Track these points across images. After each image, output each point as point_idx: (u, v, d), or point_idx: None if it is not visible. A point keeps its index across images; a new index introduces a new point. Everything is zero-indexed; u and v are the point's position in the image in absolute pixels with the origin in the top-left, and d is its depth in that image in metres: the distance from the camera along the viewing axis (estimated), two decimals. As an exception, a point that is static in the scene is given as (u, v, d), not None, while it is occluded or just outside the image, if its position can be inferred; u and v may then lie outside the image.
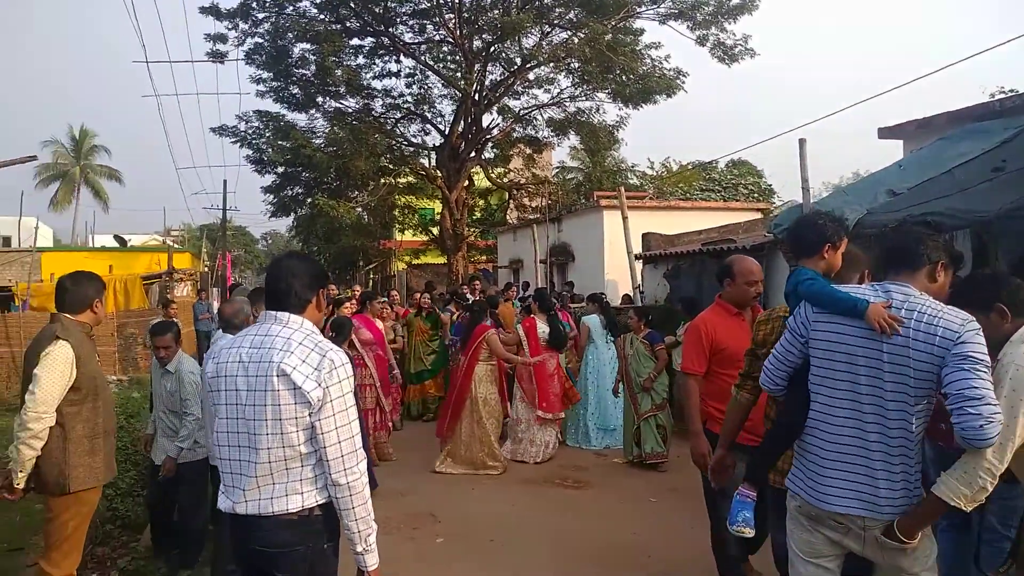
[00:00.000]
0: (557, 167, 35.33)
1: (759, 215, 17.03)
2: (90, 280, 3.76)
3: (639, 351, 7.70)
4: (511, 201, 25.82)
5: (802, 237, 2.99)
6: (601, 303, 9.23)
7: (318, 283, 2.67)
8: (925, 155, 6.87)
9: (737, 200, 23.35)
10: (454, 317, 10.01)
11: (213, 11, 19.83)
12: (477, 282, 12.08)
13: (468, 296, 11.42)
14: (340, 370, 2.46)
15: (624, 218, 9.73)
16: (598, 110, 22.20)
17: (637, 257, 11.49)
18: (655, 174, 31.86)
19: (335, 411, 2.43)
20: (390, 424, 7.73)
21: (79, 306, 3.68)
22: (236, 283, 14.57)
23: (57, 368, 3.46)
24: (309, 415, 2.43)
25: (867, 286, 2.62)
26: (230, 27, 20.13)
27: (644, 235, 12.63)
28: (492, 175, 24.56)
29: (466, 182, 22.66)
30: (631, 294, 10.88)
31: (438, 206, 26.73)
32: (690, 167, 30.92)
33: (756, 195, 25.87)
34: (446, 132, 22.20)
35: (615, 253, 14.75)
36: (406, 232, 28.26)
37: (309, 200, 23.06)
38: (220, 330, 4.57)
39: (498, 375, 7.43)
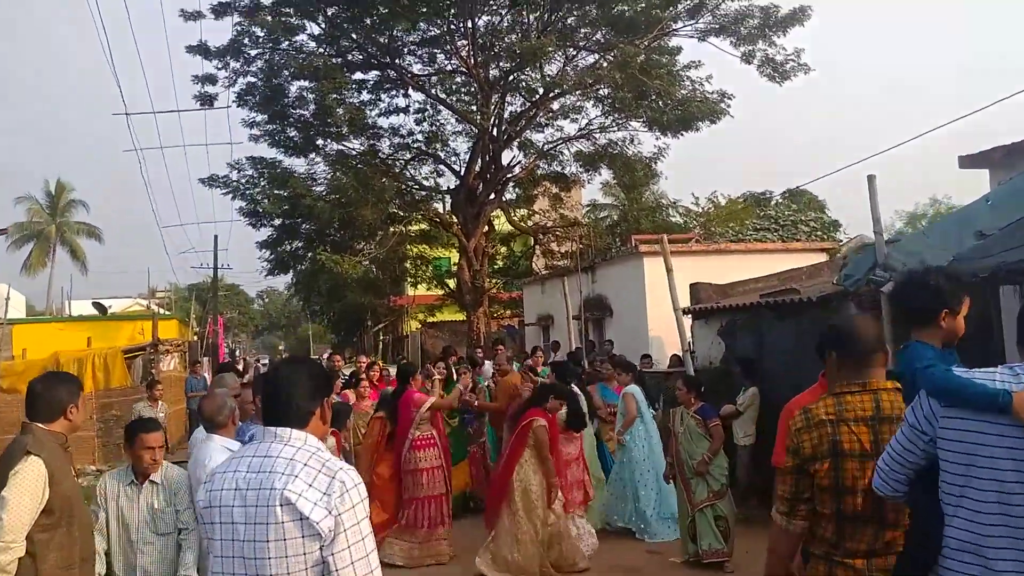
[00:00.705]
0: (588, 206, 35.53)
1: (824, 256, 16.89)
2: (63, 383, 3.75)
3: (691, 428, 7.55)
4: (537, 247, 26.06)
5: (912, 302, 2.85)
6: (635, 372, 9.16)
7: (321, 392, 2.66)
8: (1018, 188, 6.78)
9: (797, 239, 23.22)
10: (467, 388, 9.84)
11: (201, 50, 20.53)
12: (502, 347, 12.03)
13: (486, 362, 11.38)
14: (353, 492, 2.42)
15: (668, 270, 9.69)
16: (632, 141, 22.57)
17: (685, 312, 11.40)
18: (701, 211, 31.86)
19: (350, 542, 2.38)
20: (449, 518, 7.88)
21: (52, 413, 3.65)
22: (226, 361, 14.68)
23: (28, 489, 3.41)
24: (320, 549, 2.37)
25: (1003, 368, 2.42)
26: (220, 66, 20.86)
27: (692, 286, 12.56)
28: (514, 218, 24.91)
29: (485, 227, 22.99)
30: (680, 355, 10.75)
31: (455, 255, 26.97)
32: (741, 202, 30.92)
33: (819, 232, 25.70)
34: (461, 172, 22.66)
35: (659, 305, 14.62)
36: (419, 286, 28.54)
37: (310, 255, 23.42)
38: (202, 429, 4.46)
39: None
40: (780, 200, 29.68)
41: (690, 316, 12.11)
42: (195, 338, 26.72)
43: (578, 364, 10.97)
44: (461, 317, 28.62)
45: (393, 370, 13.76)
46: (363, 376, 10.08)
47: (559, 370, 8.57)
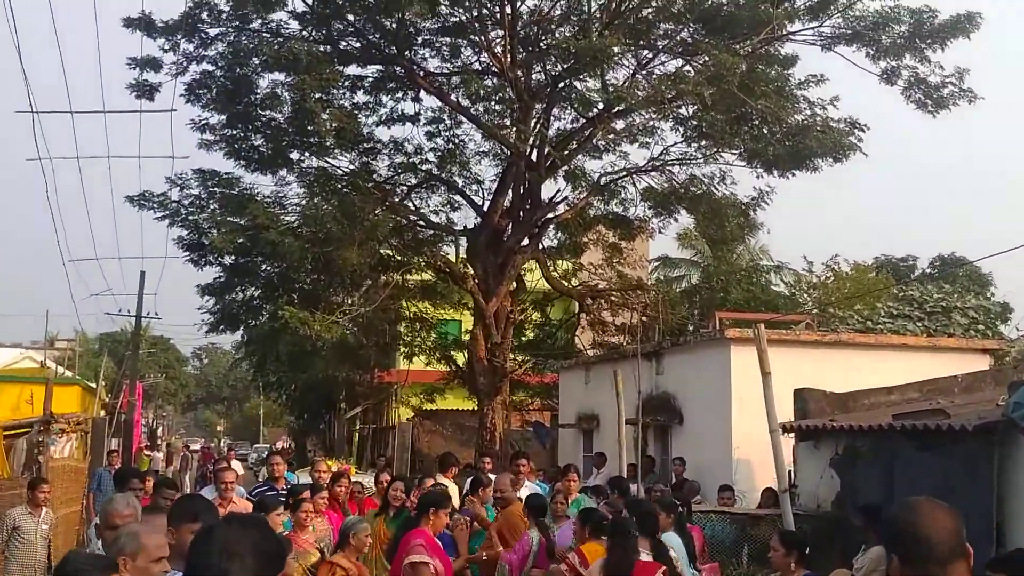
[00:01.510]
0: (657, 263, 35.69)
1: (986, 360, 16.63)
2: None
3: (789, 606, 7.34)
4: (583, 316, 26.14)
5: None
6: (678, 514, 8.98)
7: (273, 566, 2.69)
8: None
9: (950, 333, 22.92)
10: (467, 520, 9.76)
11: (143, 24, 20.96)
12: (523, 463, 11.90)
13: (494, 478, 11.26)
14: None
15: (765, 373, 9.58)
16: (724, 178, 22.59)
17: (786, 430, 11.21)
18: (815, 281, 31.79)
19: None
20: None
21: None
22: (122, 469, 14.73)
23: None
24: None
25: None
26: (167, 47, 21.26)
27: (798, 393, 12.44)
28: (554, 274, 24.92)
29: (513, 284, 23.05)
30: (777, 490, 10.57)
31: (468, 320, 26.91)
32: (873, 272, 30.78)
33: (981, 325, 25.31)
34: (484, 207, 22.87)
35: (750, 415, 14.43)
36: (416, 359, 28.58)
37: (269, 307, 23.56)
38: (94, 532, 4.53)
39: None
40: (928, 274, 29.48)
41: (793, 435, 11.92)
42: (103, 413, 26.82)
43: (622, 491, 10.75)
44: (471, 406, 28.53)
45: (369, 481, 13.69)
46: (322, 491, 10.03)
47: (588, 518, 8.39)
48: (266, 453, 51.18)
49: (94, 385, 28.43)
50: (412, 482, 11.83)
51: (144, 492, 9.88)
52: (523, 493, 11.41)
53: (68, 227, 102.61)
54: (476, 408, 24.10)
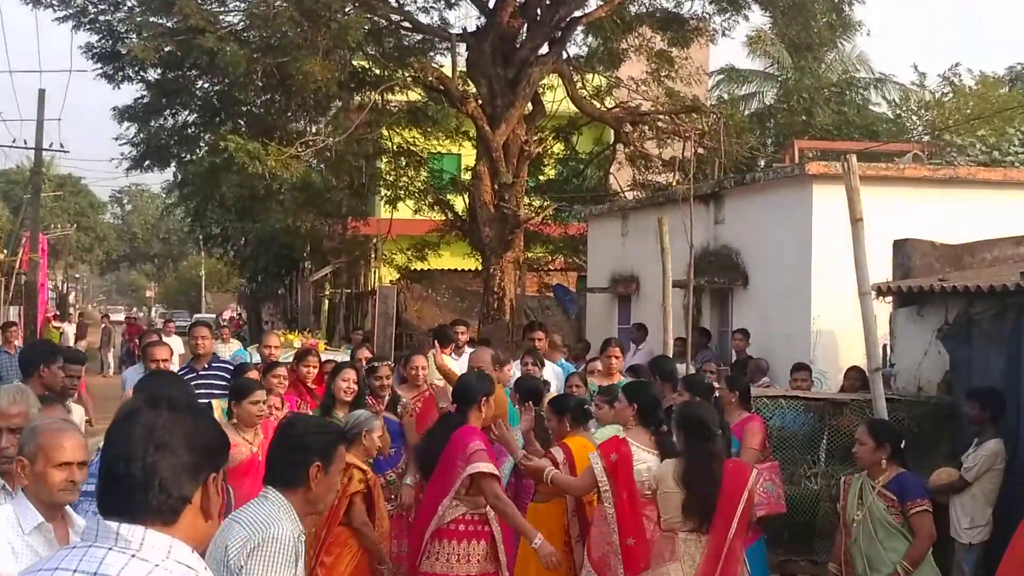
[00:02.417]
0: (719, 76, 35.07)
1: None
2: None
3: (876, 514, 7.62)
4: (620, 148, 26.07)
5: None
6: (699, 388, 9.19)
7: (208, 463, 2.76)
8: None
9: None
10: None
11: None
12: (539, 335, 12.10)
13: (512, 362, 11.46)
14: None
15: (855, 219, 9.58)
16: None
17: (881, 293, 11.24)
18: (928, 99, 31.19)
19: None
20: None
21: None
22: (52, 314, 14.88)
23: None
24: None
25: None
26: None
27: (900, 244, 12.39)
28: (583, 92, 24.79)
29: (528, 107, 22.92)
30: (866, 370, 10.69)
31: (469, 154, 26.83)
32: (1005, 84, 30.10)
33: None
34: (490, 3, 22.62)
35: (834, 275, 14.40)
36: (401, 205, 28.72)
37: (208, 137, 23.61)
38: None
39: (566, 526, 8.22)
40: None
41: (891, 301, 11.97)
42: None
43: (666, 374, 10.91)
44: (473, 265, 28.62)
45: (345, 359, 13.98)
46: (280, 372, 10.30)
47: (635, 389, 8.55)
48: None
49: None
50: (400, 361, 12.12)
51: (75, 376, 10.11)
52: (546, 374, 11.74)
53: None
54: (480, 268, 24.24)
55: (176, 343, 19.81)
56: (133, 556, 2.57)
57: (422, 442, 8.90)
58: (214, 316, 60.70)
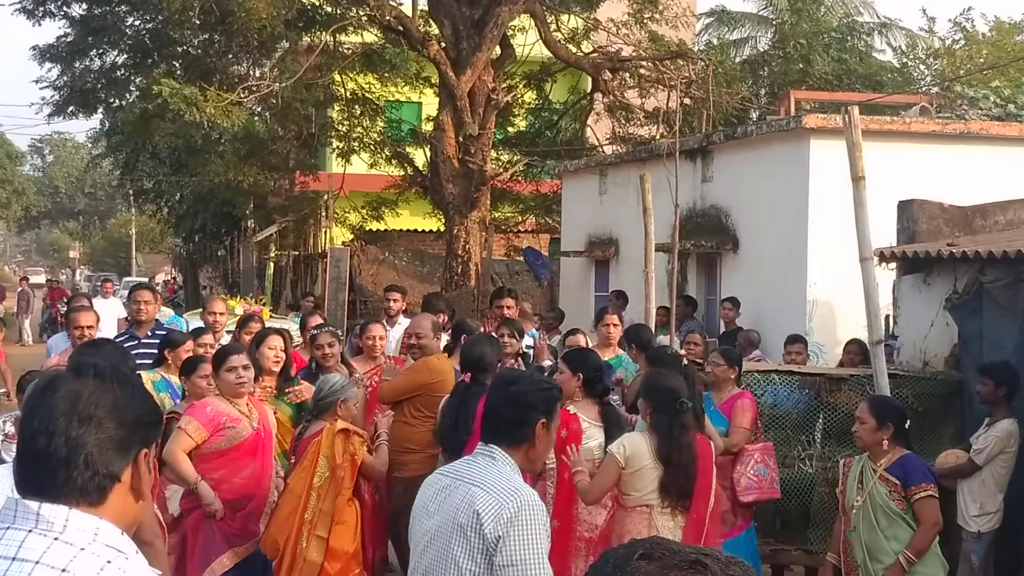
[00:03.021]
0: (708, 19, 34.98)
1: None
2: None
3: (877, 500, 7.66)
4: (599, 97, 26.08)
5: None
6: (665, 361, 9.22)
7: (139, 436, 2.76)
8: None
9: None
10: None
11: None
12: (509, 303, 12.14)
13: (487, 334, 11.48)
14: None
15: (857, 177, 9.61)
16: None
17: (884, 258, 11.29)
18: (937, 47, 31.19)
19: None
20: None
21: None
22: None
23: None
24: None
25: None
26: None
27: (905, 205, 12.43)
28: (557, 36, 24.69)
29: (496, 51, 22.91)
30: (868, 343, 10.75)
31: (430, 102, 26.66)
32: (1021, 36, 30.14)
33: None
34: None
35: (833, 239, 14.51)
36: (354, 159, 28.67)
37: (139, 81, 23.42)
38: None
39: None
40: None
41: (895, 267, 12.02)
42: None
43: (643, 343, 10.98)
44: (434, 225, 28.57)
45: (294, 329, 14.01)
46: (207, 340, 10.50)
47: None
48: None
49: None
50: (354, 331, 12.16)
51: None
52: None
53: None
54: (442, 229, 24.23)
55: (115, 306, 19.73)
56: (56, 539, 2.56)
57: (445, 418, 9.03)
58: (146, 280, 60.45)
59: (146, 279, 60.40)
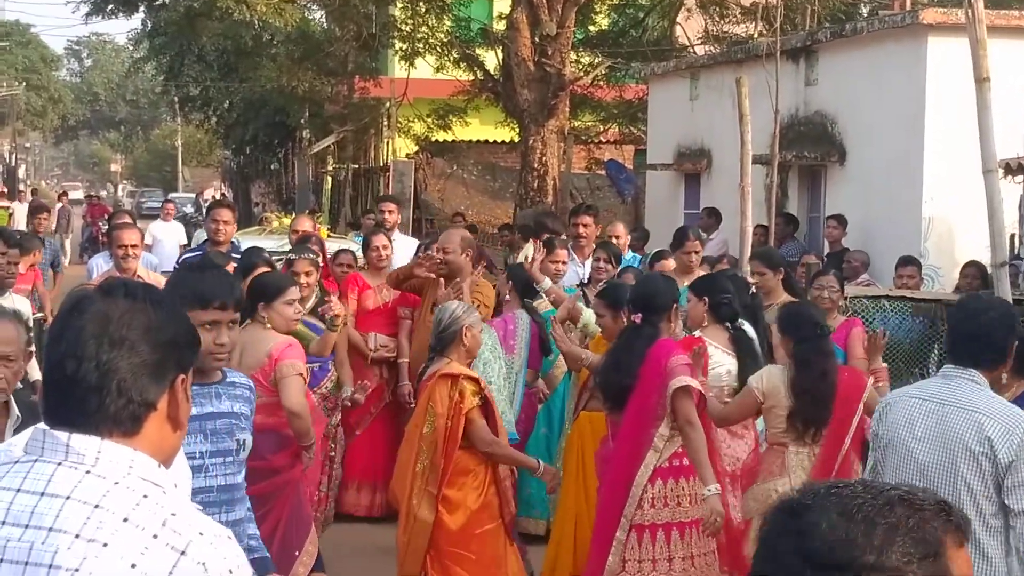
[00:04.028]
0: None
1: None
2: None
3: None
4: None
5: None
6: (725, 298, 9.02)
7: (176, 359, 2.77)
8: None
9: None
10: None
11: None
12: (586, 221, 12.15)
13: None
14: None
15: (981, 79, 9.45)
16: None
17: (1011, 170, 11.17)
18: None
19: None
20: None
21: None
22: None
23: None
24: None
25: None
26: None
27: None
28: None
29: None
30: (988, 266, 10.66)
31: (502, 0, 26.45)
32: None
33: None
34: None
35: (952, 149, 14.40)
36: (419, 62, 28.57)
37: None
38: None
39: None
40: None
41: (1021, 180, 11.89)
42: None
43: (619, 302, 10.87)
44: (508, 136, 28.53)
45: (357, 249, 14.08)
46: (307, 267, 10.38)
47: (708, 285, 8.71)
48: (189, 207, 51.76)
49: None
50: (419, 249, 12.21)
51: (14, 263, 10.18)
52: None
53: None
54: (516, 139, 24.22)
55: (176, 230, 19.89)
56: (88, 472, 2.56)
57: (607, 362, 8.66)
58: (193, 196, 60.88)
59: (193, 195, 60.98)
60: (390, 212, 14.45)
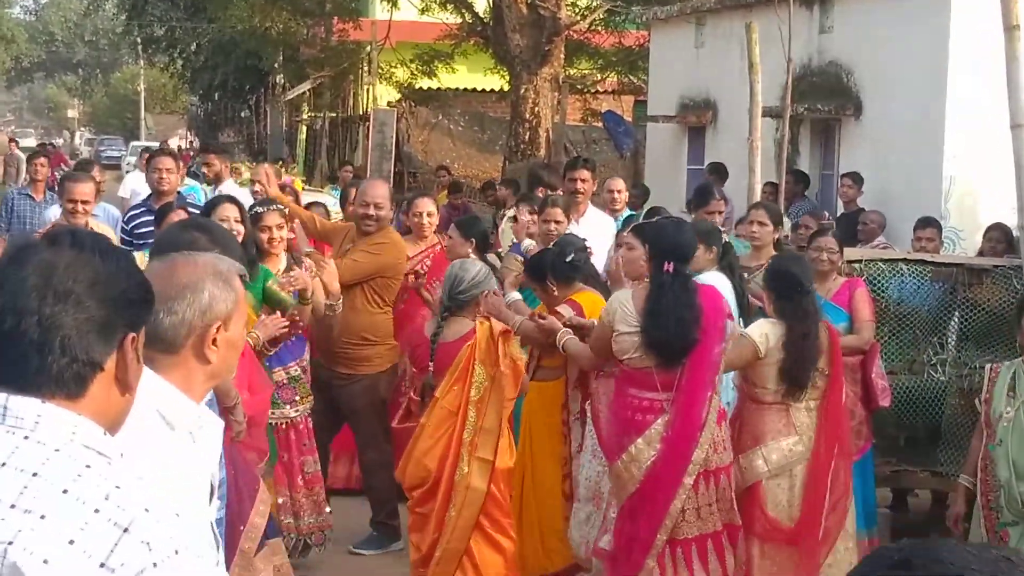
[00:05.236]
0: None
1: None
2: None
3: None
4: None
5: None
6: (722, 247, 9.34)
7: (127, 317, 2.75)
8: None
9: None
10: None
11: None
12: (583, 176, 12.35)
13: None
14: (166, 569, 2.52)
15: (1011, 26, 9.46)
16: None
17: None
18: None
19: None
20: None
21: None
22: None
23: None
24: None
25: None
26: None
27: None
28: None
29: None
30: (1016, 224, 10.68)
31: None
32: None
33: None
34: None
35: (977, 103, 14.46)
36: (402, 3, 28.54)
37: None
38: None
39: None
40: None
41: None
42: None
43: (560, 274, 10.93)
44: (498, 83, 28.50)
45: (334, 204, 14.04)
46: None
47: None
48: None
49: None
50: (402, 205, 12.18)
51: None
52: (595, 230, 11.76)
53: None
54: (506, 87, 24.23)
55: (137, 180, 19.88)
56: (26, 438, 2.55)
57: (661, 320, 8.21)
58: (156, 145, 60.72)
59: (156, 144, 60.87)
60: (210, 165, 14.51)
